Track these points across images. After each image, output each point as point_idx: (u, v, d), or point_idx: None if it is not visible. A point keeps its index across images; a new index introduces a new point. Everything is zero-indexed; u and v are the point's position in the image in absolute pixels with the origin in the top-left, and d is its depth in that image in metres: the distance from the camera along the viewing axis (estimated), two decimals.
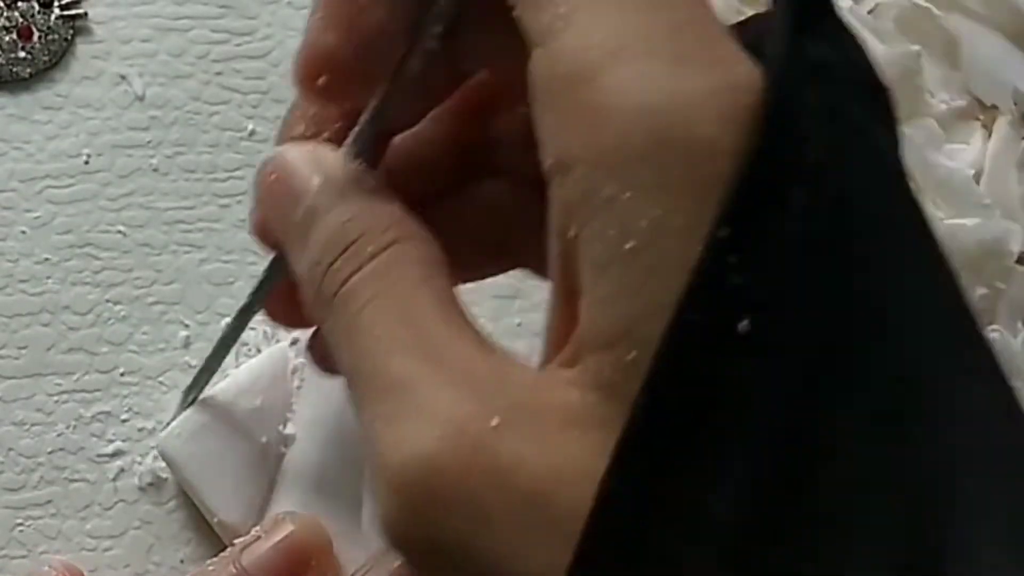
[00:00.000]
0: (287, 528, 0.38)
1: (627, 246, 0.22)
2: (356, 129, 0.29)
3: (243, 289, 0.43)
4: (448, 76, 0.29)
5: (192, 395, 0.40)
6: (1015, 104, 0.47)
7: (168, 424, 0.40)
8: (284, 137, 0.31)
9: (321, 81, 0.28)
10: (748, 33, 0.23)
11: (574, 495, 0.22)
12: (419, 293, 0.26)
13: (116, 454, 0.42)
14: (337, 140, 0.29)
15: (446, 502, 0.23)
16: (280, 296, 0.32)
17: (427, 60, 0.27)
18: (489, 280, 0.44)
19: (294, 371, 0.40)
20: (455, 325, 0.25)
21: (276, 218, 0.29)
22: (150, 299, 0.43)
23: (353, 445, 0.40)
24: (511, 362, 0.25)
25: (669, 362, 0.21)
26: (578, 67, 0.23)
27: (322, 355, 0.33)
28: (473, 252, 0.31)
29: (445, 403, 0.23)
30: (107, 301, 0.43)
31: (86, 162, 0.45)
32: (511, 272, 0.44)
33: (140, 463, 0.41)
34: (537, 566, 0.22)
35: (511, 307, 0.44)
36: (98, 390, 0.42)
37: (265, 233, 0.31)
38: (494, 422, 0.23)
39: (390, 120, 0.29)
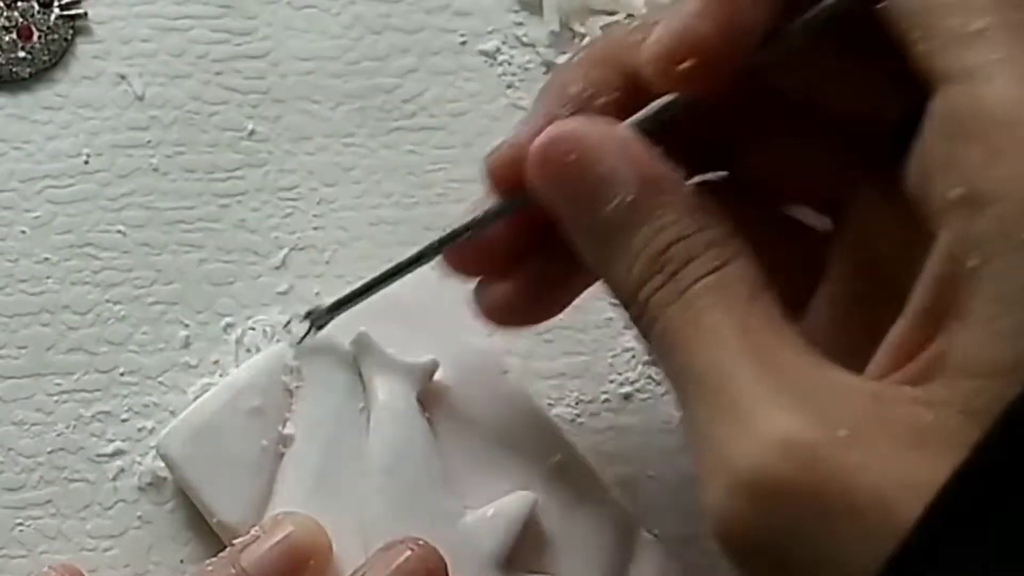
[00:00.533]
0: (286, 528, 0.38)
1: None
2: (652, 109, 0.30)
3: (243, 289, 0.43)
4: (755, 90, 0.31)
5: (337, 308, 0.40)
6: None
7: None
8: (554, 94, 0.32)
9: (685, 65, 0.29)
10: None
11: (919, 506, 0.23)
12: (755, 306, 0.28)
13: (116, 454, 0.42)
14: (607, 110, 0.31)
15: (793, 500, 0.25)
16: (468, 247, 0.34)
17: (762, 69, 0.30)
18: None
19: (293, 371, 0.40)
20: (789, 339, 0.27)
21: (571, 197, 0.30)
22: (150, 299, 0.43)
23: (353, 445, 0.40)
24: (845, 373, 0.27)
25: None
26: (1014, 113, 0.25)
27: (489, 305, 0.36)
28: None
29: (785, 410, 0.25)
30: (107, 301, 0.43)
31: (86, 162, 0.45)
32: None
33: (140, 463, 0.41)
34: (874, 570, 0.24)
35: None
36: (98, 390, 0.42)
37: (503, 176, 0.33)
38: (841, 433, 0.25)
39: (690, 112, 0.30)
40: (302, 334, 0.40)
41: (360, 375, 0.40)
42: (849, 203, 0.34)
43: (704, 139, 0.33)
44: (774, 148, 0.34)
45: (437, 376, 0.40)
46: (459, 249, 0.35)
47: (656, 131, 0.31)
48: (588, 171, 0.30)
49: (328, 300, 0.40)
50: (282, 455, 0.40)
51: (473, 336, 0.41)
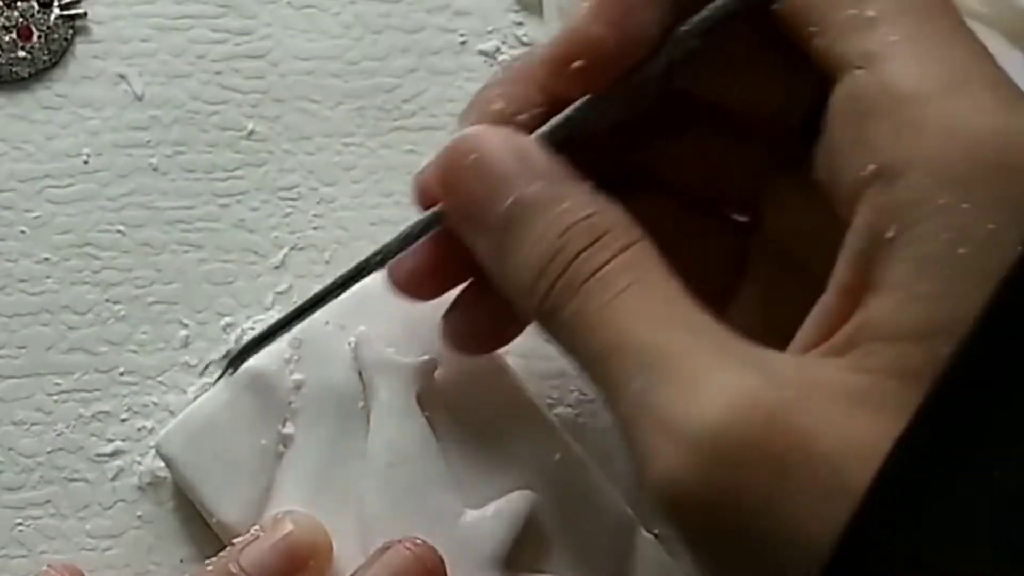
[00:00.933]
0: (286, 527, 0.38)
1: (960, 251, 0.25)
2: (560, 118, 0.31)
3: (243, 289, 0.43)
4: (661, 93, 0.32)
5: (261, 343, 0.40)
6: None
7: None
8: (477, 112, 0.33)
9: (576, 65, 0.30)
10: None
11: (867, 468, 0.24)
12: (671, 283, 0.28)
13: (115, 454, 0.42)
14: (530, 125, 0.32)
15: (749, 461, 0.25)
16: (406, 262, 0.35)
17: (662, 71, 0.30)
18: None
19: (293, 371, 0.40)
20: (714, 317, 0.28)
21: (466, 199, 0.31)
22: (150, 299, 0.43)
23: (353, 444, 0.40)
24: (772, 350, 0.27)
25: (980, 355, 0.24)
26: (917, 88, 0.26)
27: (456, 332, 0.37)
28: None
29: (732, 372, 0.26)
30: (106, 301, 0.43)
31: (85, 162, 0.45)
32: None
33: (140, 463, 0.41)
34: (830, 528, 0.24)
35: None
36: (97, 389, 0.42)
37: (427, 196, 0.33)
38: (788, 394, 0.25)
39: (598, 118, 0.31)
40: (218, 374, 0.40)
41: (360, 375, 0.40)
42: (763, 200, 0.35)
43: (616, 146, 0.34)
44: (685, 150, 0.35)
45: (436, 375, 0.40)
46: (395, 266, 0.36)
47: (567, 142, 0.31)
48: (486, 172, 0.30)
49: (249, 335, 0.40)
50: (282, 455, 0.40)
51: None
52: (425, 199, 0.35)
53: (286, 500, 0.39)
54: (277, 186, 0.45)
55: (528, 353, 0.44)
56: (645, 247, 0.29)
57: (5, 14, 0.46)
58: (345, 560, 0.38)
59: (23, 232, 0.43)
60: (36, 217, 0.44)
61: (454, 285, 0.37)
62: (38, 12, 0.46)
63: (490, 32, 0.47)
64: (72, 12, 0.46)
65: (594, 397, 0.43)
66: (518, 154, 0.30)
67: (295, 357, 0.41)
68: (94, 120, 0.45)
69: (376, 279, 0.38)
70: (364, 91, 0.46)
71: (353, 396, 0.40)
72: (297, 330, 0.40)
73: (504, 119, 0.32)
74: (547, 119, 0.32)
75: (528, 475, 0.40)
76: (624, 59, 0.30)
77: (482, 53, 0.47)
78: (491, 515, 0.39)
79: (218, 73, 0.46)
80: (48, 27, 0.46)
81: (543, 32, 0.47)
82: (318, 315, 0.39)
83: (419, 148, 0.46)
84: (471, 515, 0.39)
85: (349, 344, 0.40)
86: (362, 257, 0.37)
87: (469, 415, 0.40)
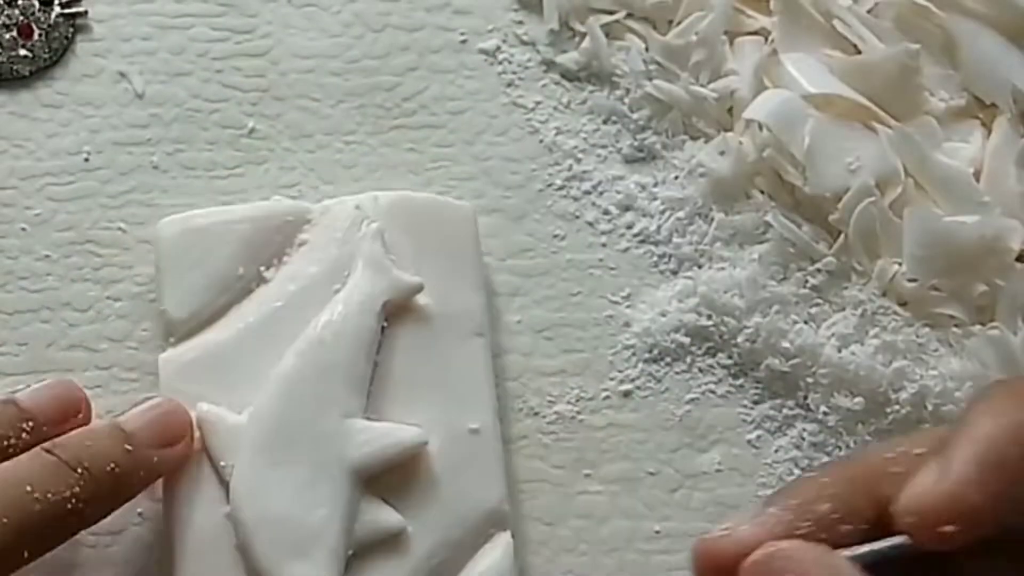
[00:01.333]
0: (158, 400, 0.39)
1: None
2: (881, 547, 0.29)
3: None
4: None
5: None
6: (1014, 102, 0.47)
7: None
8: (798, 510, 0.31)
9: (948, 529, 0.29)
10: None
11: None
12: None
13: None
14: (854, 539, 0.30)
15: None
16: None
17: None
18: (489, 277, 0.44)
19: (306, 231, 0.42)
20: None
21: None
22: (150, 296, 0.43)
23: (309, 314, 0.40)
24: None
25: None
26: None
27: None
28: None
29: None
30: (107, 298, 0.43)
31: (86, 159, 0.45)
32: (511, 268, 0.45)
33: None
34: None
35: (511, 304, 0.44)
36: (98, 386, 0.42)
37: (712, 565, 0.31)
38: None
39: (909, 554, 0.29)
40: None
41: (352, 259, 0.41)
42: None
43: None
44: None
45: (418, 300, 0.41)
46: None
47: (875, 563, 0.30)
48: None
49: None
50: (251, 292, 0.41)
51: (467, 293, 0.42)
52: (709, 571, 0.32)
53: (230, 329, 0.40)
54: (278, 184, 0.45)
55: (529, 350, 0.44)
56: None
57: (6, 12, 0.46)
58: (255, 408, 0.39)
59: (24, 229, 0.44)
60: (37, 214, 0.44)
61: None
62: (39, 10, 0.46)
63: (490, 31, 0.47)
64: (73, 10, 0.46)
65: (593, 395, 0.43)
66: None
67: (314, 221, 0.42)
68: (95, 118, 0.45)
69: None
70: (364, 89, 0.46)
71: (336, 277, 0.41)
72: (332, 202, 0.42)
73: (826, 525, 0.30)
74: (869, 535, 0.30)
75: (437, 424, 0.40)
76: (992, 528, 0.29)
77: (482, 51, 0.47)
78: (377, 431, 0.39)
79: (219, 71, 0.46)
80: (49, 25, 0.46)
81: (543, 30, 0.47)
82: (348, 200, 0.42)
83: (419, 146, 0.46)
84: (361, 422, 0.39)
85: (361, 229, 0.41)
86: None
87: (422, 347, 0.41)
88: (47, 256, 0.43)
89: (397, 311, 0.41)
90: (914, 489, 0.29)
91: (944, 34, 0.48)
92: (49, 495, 0.34)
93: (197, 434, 0.39)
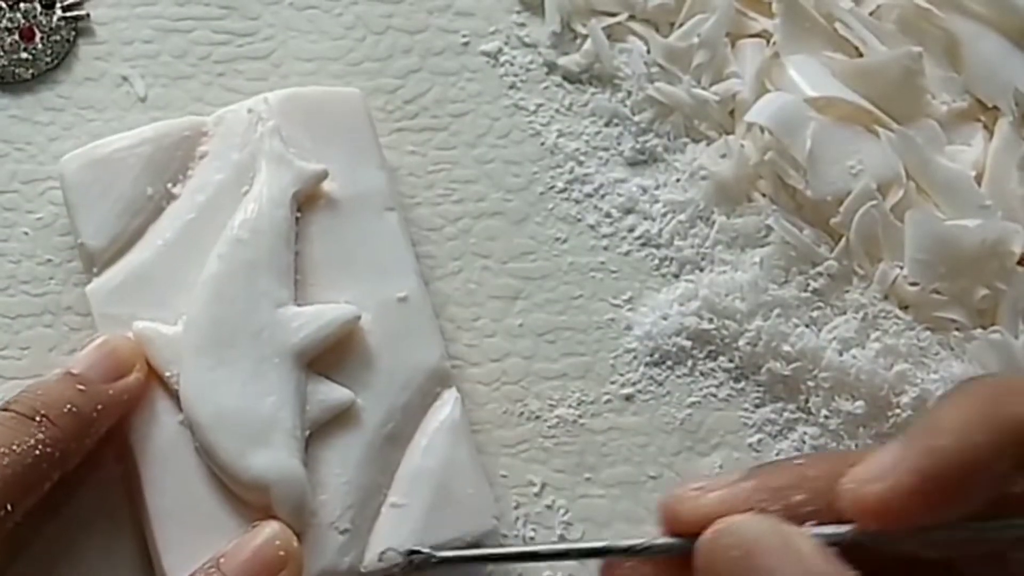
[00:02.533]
0: (103, 338, 0.39)
1: None
2: (824, 532, 0.30)
3: None
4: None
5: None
6: (1016, 105, 0.47)
7: None
8: (765, 489, 0.31)
9: (881, 508, 0.29)
10: None
11: None
12: None
13: None
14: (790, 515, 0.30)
15: None
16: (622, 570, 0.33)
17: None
18: (490, 280, 0.44)
19: (204, 143, 0.42)
20: None
21: None
22: None
23: (222, 217, 0.41)
24: None
25: None
26: None
27: None
28: None
29: None
30: None
31: None
32: (513, 272, 0.45)
33: None
34: None
35: (512, 308, 0.44)
36: None
37: (675, 519, 0.32)
38: None
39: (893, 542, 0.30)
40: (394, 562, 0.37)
41: (255, 159, 0.42)
42: None
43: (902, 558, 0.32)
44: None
45: (325, 187, 0.41)
46: (608, 568, 0.34)
47: (847, 543, 0.30)
48: (750, 567, 0.29)
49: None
50: (162, 210, 0.42)
51: (371, 172, 0.42)
52: (672, 526, 0.32)
53: (150, 248, 0.41)
54: None
55: (530, 354, 0.44)
56: None
57: (8, 15, 0.46)
58: (189, 315, 0.39)
59: (26, 233, 0.44)
60: (39, 218, 0.44)
61: None
62: (41, 13, 0.46)
63: (492, 33, 0.47)
64: (75, 13, 0.46)
65: (595, 399, 0.43)
66: (786, 551, 0.29)
67: (211, 133, 0.42)
68: (97, 121, 0.45)
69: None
70: (366, 92, 0.46)
71: (242, 180, 0.41)
72: (225, 110, 0.43)
73: (793, 512, 0.31)
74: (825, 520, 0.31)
75: (367, 298, 0.41)
76: (922, 514, 0.29)
77: (484, 54, 0.47)
78: (310, 314, 0.40)
79: (221, 74, 0.46)
80: (51, 28, 0.46)
81: (545, 33, 0.47)
82: (239, 106, 0.43)
83: (421, 149, 0.46)
84: (292, 308, 0.40)
85: (257, 130, 0.42)
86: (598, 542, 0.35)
87: (338, 229, 0.41)
88: (49, 260, 0.43)
89: (307, 201, 0.41)
90: (856, 472, 0.30)
91: (946, 36, 0.48)
92: (15, 447, 0.35)
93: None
